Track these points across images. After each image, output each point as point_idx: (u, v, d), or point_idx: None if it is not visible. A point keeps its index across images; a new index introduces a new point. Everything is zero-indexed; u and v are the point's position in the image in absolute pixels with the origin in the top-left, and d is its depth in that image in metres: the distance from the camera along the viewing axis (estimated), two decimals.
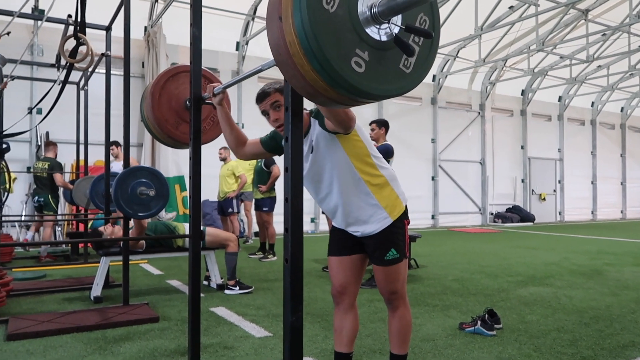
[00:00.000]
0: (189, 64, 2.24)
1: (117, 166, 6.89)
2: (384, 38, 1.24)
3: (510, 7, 10.80)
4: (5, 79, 2.55)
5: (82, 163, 7.09)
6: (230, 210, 7.65)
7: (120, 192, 3.59)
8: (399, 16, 1.25)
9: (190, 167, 2.28)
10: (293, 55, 1.22)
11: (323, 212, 6.10)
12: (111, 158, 7.74)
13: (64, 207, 8.47)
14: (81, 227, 7.28)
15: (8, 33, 2.67)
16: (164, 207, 3.89)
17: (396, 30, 1.24)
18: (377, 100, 1.31)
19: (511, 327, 3.47)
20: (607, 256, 7.24)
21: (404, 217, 2.18)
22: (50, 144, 7.14)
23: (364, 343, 3.10)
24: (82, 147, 6.76)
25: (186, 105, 2.50)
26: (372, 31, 1.23)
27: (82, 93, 6.67)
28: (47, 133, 8.24)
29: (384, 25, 1.23)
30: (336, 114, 1.86)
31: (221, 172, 7.68)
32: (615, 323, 3.58)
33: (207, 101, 2.33)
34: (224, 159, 7.68)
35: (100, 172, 8.11)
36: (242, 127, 10.37)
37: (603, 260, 6.82)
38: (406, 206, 2.22)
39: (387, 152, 5.03)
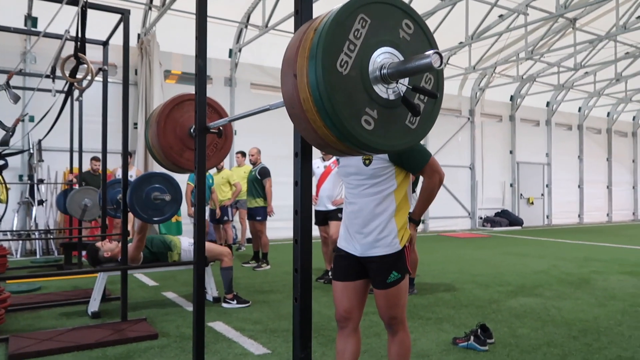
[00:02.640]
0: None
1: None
2: (391, 97, 1.31)
3: (500, 16, 10.96)
4: (19, 117, 2.58)
5: (75, 171, 7.11)
6: (225, 218, 7.71)
7: (135, 198, 3.66)
8: None
9: (196, 195, 2.34)
10: (306, 111, 1.29)
11: (316, 223, 6.17)
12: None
13: (55, 215, 8.45)
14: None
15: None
16: (177, 211, 3.99)
17: (403, 89, 1.32)
18: (380, 154, 1.39)
19: (503, 341, 3.57)
20: (594, 263, 7.40)
21: (407, 241, 2.28)
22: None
23: (360, 359, 3.17)
24: (75, 155, 6.76)
25: (190, 133, 2.56)
26: (381, 90, 1.31)
27: (75, 103, 6.68)
28: (40, 141, 8.21)
29: (392, 85, 1.31)
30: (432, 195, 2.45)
31: (215, 180, 7.73)
32: (602, 336, 3.69)
33: (211, 130, 2.39)
34: (220, 169, 7.72)
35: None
36: (235, 134, 10.40)
37: (590, 267, 6.98)
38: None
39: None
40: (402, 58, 1.33)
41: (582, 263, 7.44)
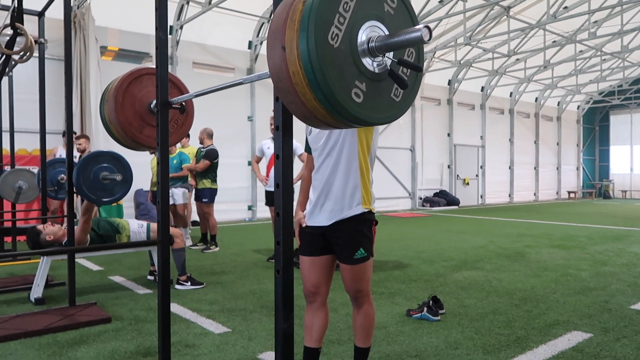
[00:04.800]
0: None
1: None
2: (377, 70, 1.34)
3: (440, 1, 11.27)
4: None
5: (5, 152, 6.65)
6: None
7: (82, 178, 3.48)
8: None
9: (159, 172, 2.28)
10: (296, 84, 1.29)
11: (267, 204, 6.17)
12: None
13: None
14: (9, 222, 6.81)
15: None
16: (127, 191, 3.82)
17: (389, 62, 1.35)
18: (369, 126, 1.42)
19: (453, 311, 3.77)
20: (526, 238, 7.92)
21: (373, 218, 2.34)
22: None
23: None
24: (5, 135, 6.32)
25: (150, 109, 2.47)
26: (368, 63, 1.33)
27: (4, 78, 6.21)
28: None
29: (378, 58, 1.34)
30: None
31: (154, 162, 7.51)
32: (540, 303, 3.99)
33: (173, 105, 2.33)
34: (184, 145, 7.56)
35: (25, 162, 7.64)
36: None
37: (523, 242, 7.46)
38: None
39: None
40: (386, 32, 1.36)
41: (516, 238, 7.93)
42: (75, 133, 7.12)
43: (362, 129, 2.25)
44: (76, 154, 7.31)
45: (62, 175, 5.15)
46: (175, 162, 7.00)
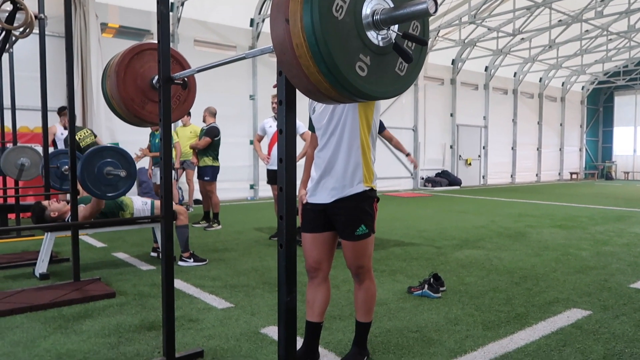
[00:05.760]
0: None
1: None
2: (382, 44, 1.33)
3: None
4: None
5: (7, 130, 6.65)
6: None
7: (86, 174, 3.49)
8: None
9: (161, 147, 2.28)
10: (299, 56, 1.28)
11: (269, 182, 6.18)
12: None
13: None
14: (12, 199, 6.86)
15: None
16: (132, 186, 3.85)
17: (393, 35, 1.34)
18: (373, 100, 1.42)
19: (453, 289, 3.80)
20: (528, 218, 7.94)
21: (375, 195, 2.35)
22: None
23: None
24: (7, 113, 6.32)
25: (152, 84, 2.45)
26: (372, 36, 1.32)
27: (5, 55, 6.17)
28: None
29: (383, 32, 1.32)
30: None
31: (183, 134, 7.60)
32: (540, 281, 4.02)
33: (176, 81, 2.31)
34: (185, 123, 7.60)
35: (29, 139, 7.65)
36: None
37: (524, 222, 7.48)
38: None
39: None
40: (391, 4, 1.34)
41: (517, 218, 7.95)
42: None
43: (362, 107, 2.24)
44: (64, 131, 7.28)
45: (66, 167, 5.18)
46: (158, 140, 7.01)
